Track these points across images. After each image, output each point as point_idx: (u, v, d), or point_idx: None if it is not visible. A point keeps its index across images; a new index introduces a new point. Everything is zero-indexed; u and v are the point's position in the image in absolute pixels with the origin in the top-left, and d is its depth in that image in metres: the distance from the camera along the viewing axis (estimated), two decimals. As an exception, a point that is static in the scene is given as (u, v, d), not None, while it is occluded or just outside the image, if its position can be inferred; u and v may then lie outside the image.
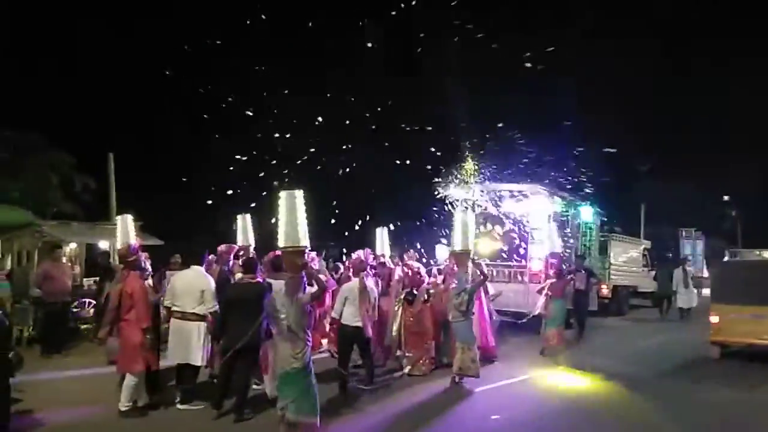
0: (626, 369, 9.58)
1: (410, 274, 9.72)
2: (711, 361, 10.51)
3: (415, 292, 9.40)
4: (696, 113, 33.53)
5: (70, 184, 16.84)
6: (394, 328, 9.40)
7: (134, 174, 19.23)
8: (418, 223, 15.66)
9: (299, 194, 5.81)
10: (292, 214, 5.72)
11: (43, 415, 5.74)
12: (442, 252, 15.05)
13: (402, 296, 9.44)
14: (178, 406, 7.00)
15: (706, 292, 16.66)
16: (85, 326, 11.66)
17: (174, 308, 7.14)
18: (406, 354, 9.24)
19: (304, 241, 5.72)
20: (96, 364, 8.60)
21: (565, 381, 8.87)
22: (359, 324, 7.91)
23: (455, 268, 9.07)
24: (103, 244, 14.33)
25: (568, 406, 7.49)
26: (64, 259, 11.98)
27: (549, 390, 8.39)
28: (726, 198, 41.80)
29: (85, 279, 13.79)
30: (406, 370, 9.08)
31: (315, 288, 5.93)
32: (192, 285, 7.12)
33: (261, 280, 7.01)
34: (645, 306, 18.80)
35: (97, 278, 12.19)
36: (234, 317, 6.69)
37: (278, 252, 6.46)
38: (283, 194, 5.80)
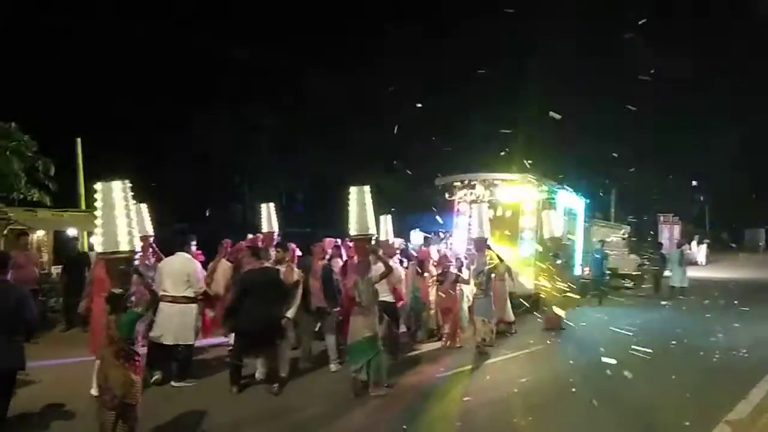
0: (625, 341, 9.85)
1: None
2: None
3: (451, 271, 9.91)
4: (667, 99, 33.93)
5: (35, 169, 16.04)
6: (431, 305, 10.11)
7: (101, 159, 18.50)
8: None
9: (367, 189, 6.65)
10: (362, 207, 6.58)
11: (14, 404, 5.39)
12: (416, 237, 15.06)
13: (434, 277, 10.04)
14: (173, 383, 7.06)
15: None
16: (53, 315, 11.46)
17: (163, 293, 7.08)
18: (443, 331, 9.86)
19: (372, 229, 6.64)
20: (65, 353, 8.46)
21: (566, 352, 9.46)
22: (388, 299, 8.26)
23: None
24: (72, 232, 13.72)
25: (568, 374, 7.85)
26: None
27: (552, 359, 9.07)
28: (694, 183, 42.50)
29: (53, 267, 13.20)
30: (447, 344, 9.55)
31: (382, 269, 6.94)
32: (179, 270, 7.27)
33: (271, 266, 7.28)
34: (626, 287, 19.25)
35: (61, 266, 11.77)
36: (248, 302, 6.85)
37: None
38: (353, 189, 6.66)
